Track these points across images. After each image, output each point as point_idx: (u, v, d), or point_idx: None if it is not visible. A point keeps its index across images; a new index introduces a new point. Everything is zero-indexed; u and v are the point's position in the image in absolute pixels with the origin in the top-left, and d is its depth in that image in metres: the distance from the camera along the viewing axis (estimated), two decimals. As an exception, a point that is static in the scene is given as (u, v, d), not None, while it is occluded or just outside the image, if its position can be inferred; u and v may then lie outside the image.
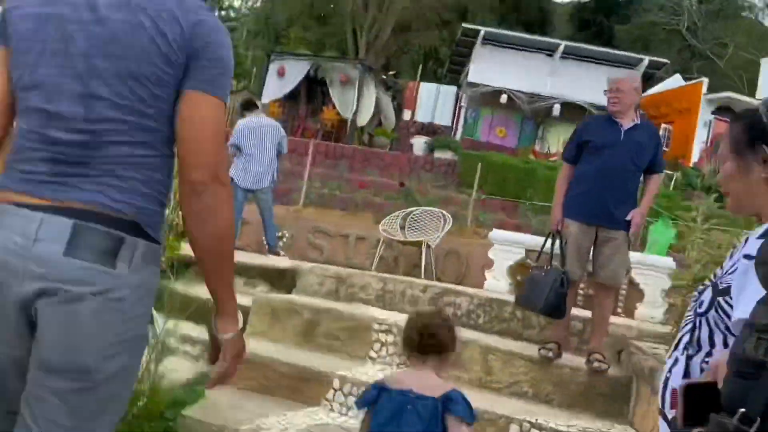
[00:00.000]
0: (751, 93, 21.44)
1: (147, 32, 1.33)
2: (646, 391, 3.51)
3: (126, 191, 1.36)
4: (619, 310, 5.83)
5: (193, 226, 1.41)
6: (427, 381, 2.21)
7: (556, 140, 18.95)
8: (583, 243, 4.05)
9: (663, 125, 20.75)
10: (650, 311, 5.72)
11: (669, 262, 5.70)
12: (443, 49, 26.50)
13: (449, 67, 23.79)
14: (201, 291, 3.95)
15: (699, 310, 1.67)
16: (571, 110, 18.36)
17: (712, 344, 1.61)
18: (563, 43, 20.61)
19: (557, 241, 4.17)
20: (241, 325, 1.56)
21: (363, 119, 16.49)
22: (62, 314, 1.30)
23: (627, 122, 4.05)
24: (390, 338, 4.35)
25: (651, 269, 5.63)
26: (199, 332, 4.57)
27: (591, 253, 4.10)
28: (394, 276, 5.48)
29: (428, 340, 2.25)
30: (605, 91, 4.10)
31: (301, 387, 3.79)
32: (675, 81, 22.45)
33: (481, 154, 14.50)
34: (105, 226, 1.33)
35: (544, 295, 3.90)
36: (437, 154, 15.94)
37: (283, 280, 5.59)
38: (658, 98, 21.77)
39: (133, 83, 1.34)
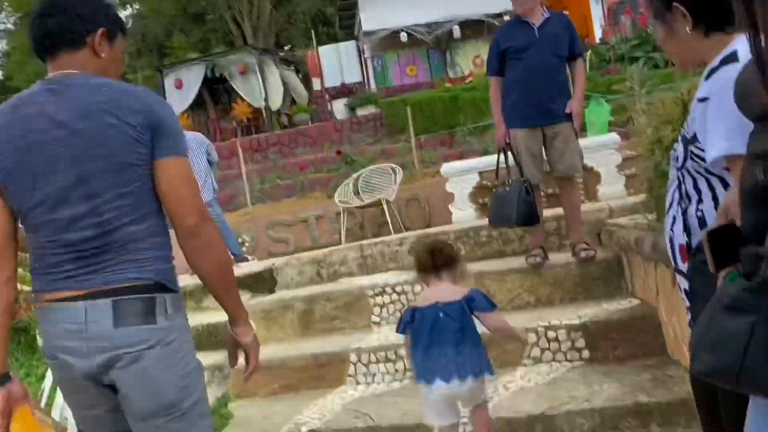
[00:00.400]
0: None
1: (118, 128, 1.59)
2: (637, 261, 3.66)
3: (144, 262, 1.64)
4: (583, 197, 6.01)
5: (198, 261, 1.69)
6: (447, 291, 2.57)
7: (466, 62, 19.07)
8: (534, 147, 4.14)
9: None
10: (611, 189, 5.92)
11: (614, 137, 5.89)
12: (329, 9, 26.08)
13: (340, 23, 23.46)
14: (195, 320, 3.91)
15: (677, 165, 1.74)
16: (471, 28, 18.45)
17: (698, 191, 1.69)
18: (442, -35, 20.51)
19: (509, 155, 4.25)
20: (255, 329, 1.95)
21: (275, 103, 16.21)
22: (134, 373, 1.60)
23: (538, 19, 4.10)
24: (386, 298, 4.40)
25: (599, 150, 5.80)
26: (201, 359, 4.54)
27: (544, 153, 4.20)
28: (367, 241, 5.49)
29: (438, 257, 2.62)
30: (507, -5, 4.13)
31: (322, 373, 3.81)
32: (555, -32, 22.71)
33: (401, 99, 14.50)
34: (137, 293, 1.61)
35: (514, 208, 3.98)
36: (360, 112, 15.87)
37: (263, 282, 5.54)
38: (545, -11, 22.01)
39: (122, 172, 1.60)
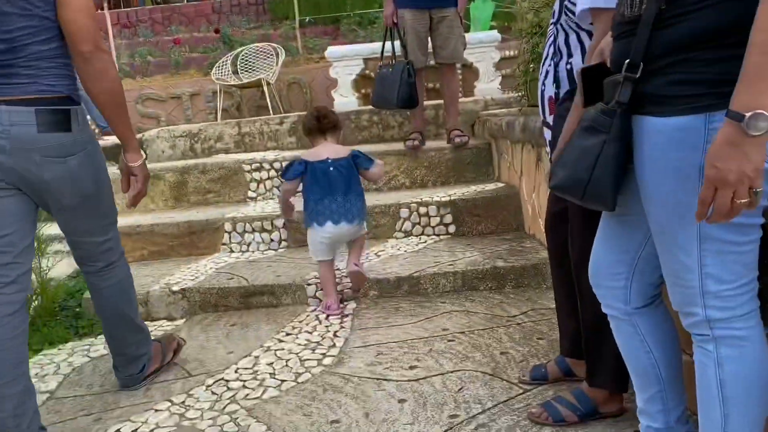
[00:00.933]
0: None
1: None
2: (505, 146, 3.87)
3: (53, 78, 1.87)
4: (461, 92, 6.17)
5: (91, 86, 1.91)
6: (335, 149, 2.96)
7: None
8: (420, 29, 4.15)
9: None
10: (487, 86, 6.12)
11: (494, 35, 6.03)
12: None
13: None
14: None
15: (553, 20, 1.84)
16: None
17: (567, 46, 1.81)
18: None
19: (395, 36, 4.24)
20: (144, 156, 2.17)
21: (148, -25, 14.86)
22: (60, 174, 1.90)
23: None
24: (264, 174, 4.36)
25: (479, 46, 5.93)
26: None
27: (428, 37, 4.23)
28: (247, 118, 5.35)
29: (324, 121, 2.98)
30: None
31: (195, 241, 3.77)
32: None
33: (286, -16, 13.78)
34: (53, 104, 1.87)
35: (396, 89, 4.03)
36: (241, -5, 14.96)
37: (132, 154, 5.29)
38: None
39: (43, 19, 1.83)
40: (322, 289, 2.98)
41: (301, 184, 2.98)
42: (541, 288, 2.94)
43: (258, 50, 7.05)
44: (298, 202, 3.12)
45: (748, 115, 1.00)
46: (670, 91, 1.14)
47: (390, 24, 4.20)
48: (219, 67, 6.92)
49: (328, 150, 2.94)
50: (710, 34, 1.10)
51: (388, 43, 4.31)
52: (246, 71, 6.91)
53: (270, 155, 4.56)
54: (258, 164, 4.38)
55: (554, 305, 2.13)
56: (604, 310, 1.49)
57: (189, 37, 11.39)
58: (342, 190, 2.87)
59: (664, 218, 1.20)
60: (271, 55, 6.87)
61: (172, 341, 2.52)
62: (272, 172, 4.38)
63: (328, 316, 2.85)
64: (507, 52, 6.57)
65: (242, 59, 7.00)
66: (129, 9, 13.89)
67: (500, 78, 6.11)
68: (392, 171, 4.32)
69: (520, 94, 3.52)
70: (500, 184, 3.96)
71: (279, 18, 14.07)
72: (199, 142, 5.15)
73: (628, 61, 1.18)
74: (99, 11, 13.36)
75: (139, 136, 5.35)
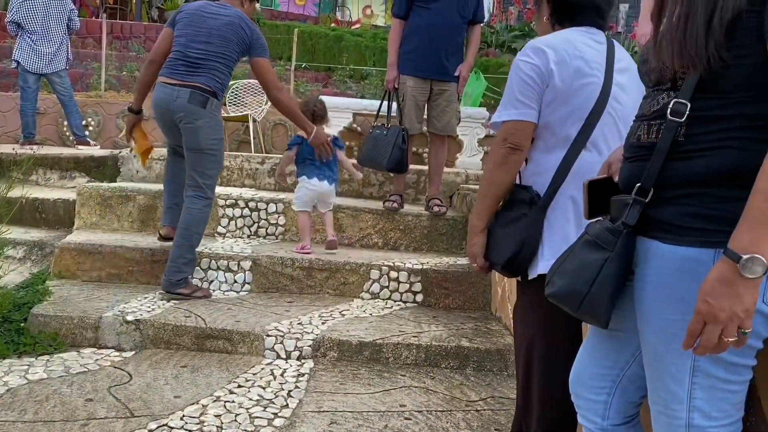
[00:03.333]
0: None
1: (231, 28, 3.36)
2: (484, 224, 3.90)
3: (210, 79, 3.32)
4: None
5: (275, 104, 3.70)
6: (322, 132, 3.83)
7: (356, 9, 18.83)
8: (420, 98, 4.21)
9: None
10: (469, 159, 6.22)
11: (483, 112, 6.16)
12: None
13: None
14: (19, 193, 3.55)
15: None
16: (370, -26, 18.15)
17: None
18: None
19: (393, 100, 4.29)
20: (313, 127, 3.77)
21: (149, -8, 14.94)
22: (189, 128, 3.29)
23: (450, -27, 4.14)
24: (237, 212, 4.29)
25: (467, 120, 6.04)
26: (19, 234, 4.17)
27: (425, 106, 4.29)
28: (227, 152, 5.29)
29: (318, 108, 3.97)
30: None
31: (156, 270, 3.65)
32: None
33: (285, 24, 14.01)
34: (203, 91, 3.29)
35: (388, 152, 4.05)
36: (238, 28, 15.10)
37: (104, 169, 5.18)
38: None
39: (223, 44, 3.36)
40: (299, 234, 3.96)
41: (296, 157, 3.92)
42: (503, 375, 2.91)
43: (249, 86, 7.05)
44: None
45: (745, 257, 1.02)
46: (682, 221, 1.15)
47: (391, 88, 4.25)
48: (208, 95, 6.90)
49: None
50: (727, 174, 1.12)
51: (384, 105, 4.35)
52: (234, 105, 6.89)
53: (247, 193, 4.50)
54: (233, 200, 4.31)
55: (512, 396, 2.13)
56: (579, 420, 1.47)
57: (180, 60, 11.37)
58: (325, 162, 3.84)
59: (660, 345, 1.19)
60: (262, 92, 6.88)
61: (206, 291, 3.49)
62: (245, 211, 4.31)
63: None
64: (491, 131, 6.71)
65: (232, 92, 6.99)
66: (124, 21, 13.88)
67: (483, 154, 6.21)
68: (367, 229, 4.30)
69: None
70: (472, 261, 3.96)
71: (273, 57, 14.22)
72: (176, 168, 5.06)
73: (639, 185, 1.20)
74: (95, 18, 13.34)
75: (115, 152, 5.26)
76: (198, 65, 3.28)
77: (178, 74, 3.29)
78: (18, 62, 6.02)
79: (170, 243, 3.46)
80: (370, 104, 6.52)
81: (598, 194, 1.37)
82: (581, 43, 1.82)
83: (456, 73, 4.18)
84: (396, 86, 4.25)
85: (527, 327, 1.85)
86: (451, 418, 2.42)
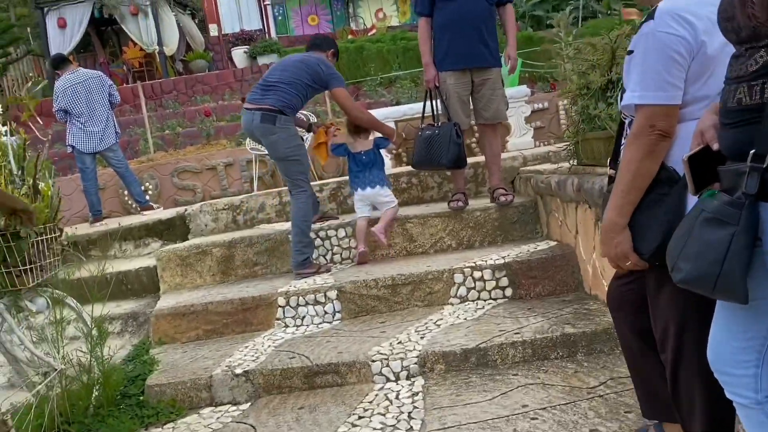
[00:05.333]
0: None
1: (305, 64, 4.16)
2: (555, 204, 3.84)
3: (279, 101, 4.02)
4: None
5: (356, 122, 4.33)
6: (365, 144, 4.31)
7: (369, 15, 18.86)
8: (463, 92, 4.19)
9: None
10: (520, 140, 6.14)
11: (524, 89, 6.09)
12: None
13: (238, -32, 22.37)
14: (92, 269, 3.68)
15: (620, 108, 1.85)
16: (374, -22, 18.15)
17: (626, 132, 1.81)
18: None
19: (436, 98, 4.28)
20: (394, 131, 4.56)
21: (170, 48, 15.34)
22: (269, 141, 4.09)
23: (468, -39, 4.11)
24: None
25: (510, 101, 5.95)
26: (112, 309, 4.33)
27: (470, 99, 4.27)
28: (285, 187, 5.38)
29: (357, 127, 4.32)
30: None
31: (248, 318, 3.74)
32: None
33: (305, 48, 14.15)
34: (271, 111, 4.01)
35: (445, 150, 4.04)
36: (261, 61, 15.35)
37: (174, 230, 5.34)
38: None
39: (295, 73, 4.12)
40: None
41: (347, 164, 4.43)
42: (614, 353, 2.85)
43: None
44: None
45: None
46: None
47: (432, 87, 4.24)
48: (252, 136, 7.03)
49: (361, 145, 4.29)
50: None
51: (428, 105, 4.35)
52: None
53: (314, 224, 4.56)
54: (303, 234, 4.37)
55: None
56: (729, 396, 1.42)
57: (215, 106, 11.66)
58: (369, 168, 4.23)
59: None
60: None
61: (327, 266, 4.20)
62: (317, 241, 4.38)
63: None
64: (536, 105, 6.62)
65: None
66: (153, 81, 14.29)
67: (532, 131, 6.13)
68: (437, 233, 4.30)
69: (569, 152, 3.49)
70: (552, 243, 3.91)
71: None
72: (241, 213, 5.19)
73: (753, 151, 1.16)
74: (126, 85, 13.80)
75: (181, 211, 5.42)
76: (269, 89, 4.03)
77: (253, 99, 4.09)
78: (73, 146, 6.28)
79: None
80: (409, 109, 6.54)
81: (700, 167, 1.33)
82: None
83: (507, 61, 4.15)
84: (436, 84, 4.23)
85: (675, 311, 1.72)
86: (577, 409, 2.39)
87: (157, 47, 14.77)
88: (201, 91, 13.64)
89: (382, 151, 4.36)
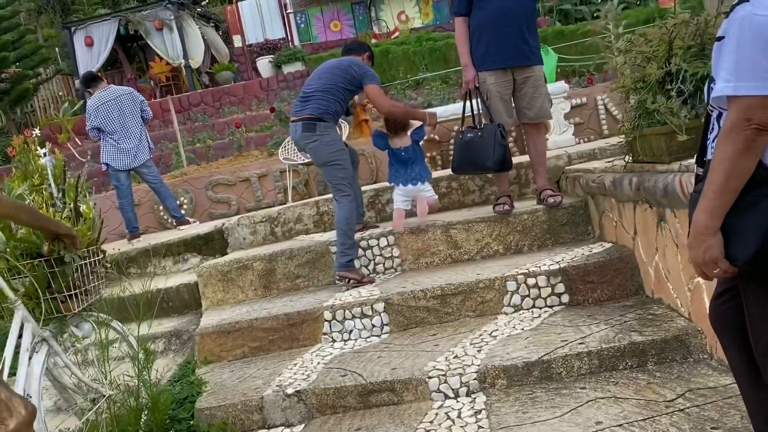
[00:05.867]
0: None
1: (339, 68, 4.17)
2: (609, 204, 3.67)
3: (317, 109, 4.04)
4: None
5: (391, 116, 4.34)
6: (404, 141, 4.32)
7: (391, 18, 18.76)
8: (505, 91, 4.05)
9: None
10: (561, 137, 5.96)
11: (563, 85, 5.91)
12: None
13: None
14: (133, 288, 3.63)
15: (708, 101, 1.69)
16: (395, -20, 18.06)
17: (715, 123, 1.65)
18: None
19: (475, 100, 4.14)
20: (426, 114, 4.48)
21: (196, 61, 15.44)
22: (311, 148, 4.12)
23: (507, -43, 3.97)
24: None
25: (548, 99, 5.79)
26: (154, 327, 4.27)
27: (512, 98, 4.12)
28: (323, 197, 5.29)
29: (397, 124, 4.32)
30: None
31: (295, 333, 3.64)
32: None
33: (331, 54, 14.11)
34: (310, 120, 4.04)
35: (491, 152, 3.90)
36: (287, 69, 15.36)
37: (213, 244, 5.27)
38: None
39: (330, 79, 4.13)
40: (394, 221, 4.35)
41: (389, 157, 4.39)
42: (688, 362, 2.68)
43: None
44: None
45: None
46: None
47: (472, 88, 4.11)
48: (285, 147, 6.96)
49: (400, 141, 4.31)
50: None
51: (468, 106, 4.21)
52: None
53: (356, 233, 4.45)
54: (345, 245, 4.26)
55: (711, 384, 1.90)
56: None
57: (243, 117, 11.66)
58: (409, 163, 4.27)
59: None
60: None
61: (370, 278, 4.10)
62: (359, 251, 4.26)
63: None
64: (574, 101, 6.43)
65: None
66: (180, 95, 14.37)
67: (572, 128, 5.95)
68: (484, 239, 4.15)
69: (625, 149, 3.32)
70: (607, 245, 3.73)
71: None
72: (279, 225, 5.10)
73: None
74: (154, 99, 13.89)
75: (219, 225, 5.35)
76: (307, 99, 4.08)
77: (296, 112, 4.16)
78: (107, 164, 6.27)
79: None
80: (444, 110, 6.40)
81: None
82: None
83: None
84: (476, 85, 4.10)
85: None
86: (657, 426, 2.23)
87: (182, 61, 14.87)
88: (228, 102, 13.68)
89: (426, 129, 4.40)
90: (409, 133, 4.36)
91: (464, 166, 4.14)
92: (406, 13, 18.92)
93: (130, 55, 16.81)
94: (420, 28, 16.16)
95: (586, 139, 6.60)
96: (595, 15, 11.59)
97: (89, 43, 14.66)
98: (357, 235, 4.27)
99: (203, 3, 20.05)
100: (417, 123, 4.42)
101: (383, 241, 4.28)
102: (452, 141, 6.78)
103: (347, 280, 3.97)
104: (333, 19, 19.98)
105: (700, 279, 2.06)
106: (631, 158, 3.32)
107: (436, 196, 4.42)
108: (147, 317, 3.78)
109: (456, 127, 6.43)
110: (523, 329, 3.19)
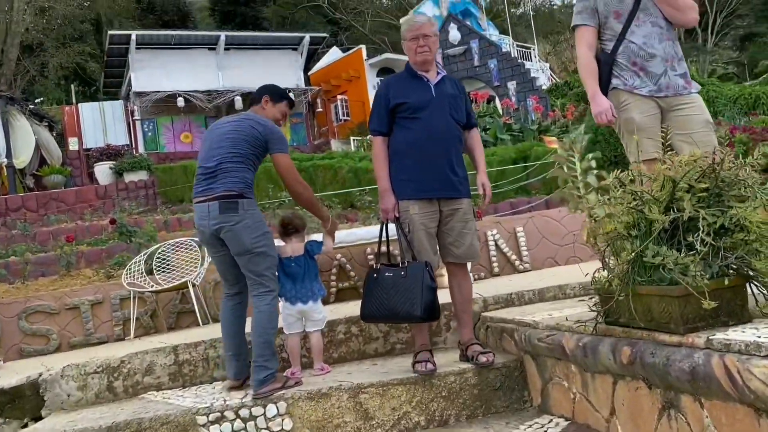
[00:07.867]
0: (401, 51, 23.31)
1: (238, 131, 3.46)
2: (563, 371, 2.99)
3: (234, 183, 3.36)
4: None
5: (299, 200, 3.63)
6: (296, 247, 3.72)
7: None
8: (430, 224, 3.38)
9: (339, 97, 21.47)
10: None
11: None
12: (91, 64, 23.46)
13: (105, 81, 21.12)
14: None
15: None
16: (255, 99, 17.73)
17: None
18: (223, 34, 19.77)
19: (394, 232, 3.43)
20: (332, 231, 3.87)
21: (22, 161, 13.60)
22: (230, 234, 3.32)
23: (433, 76, 3.45)
24: (226, 426, 3.15)
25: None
26: None
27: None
28: (184, 341, 4.13)
29: (289, 227, 3.73)
30: (404, 41, 3.43)
31: None
32: (334, 54, 23.31)
33: (182, 165, 13.06)
34: (229, 198, 3.34)
35: (417, 297, 3.14)
36: (129, 178, 13.97)
37: (22, 402, 3.85)
38: (326, 72, 22.37)
39: (232, 144, 3.44)
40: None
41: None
42: None
43: (177, 245, 5.95)
44: None
45: None
46: None
47: (391, 219, 3.39)
48: (130, 269, 5.70)
49: (292, 248, 3.71)
50: None
51: (385, 240, 3.47)
52: (164, 272, 5.74)
53: (233, 398, 3.35)
54: (218, 413, 3.17)
55: None
56: None
57: (74, 227, 10.07)
58: (299, 279, 3.66)
59: None
60: (195, 250, 5.80)
61: (297, 378, 3.46)
62: (238, 423, 3.17)
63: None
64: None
65: (158, 258, 5.84)
66: (-3, 197, 12.39)
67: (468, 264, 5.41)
68: (402, 406, 3.28)
69: (609, 308, 2.68)
70: (558, 420, 3.01)
71: (172, 201, 13.11)
72: (120, 377, 3.85)
73: None
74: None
75: (33, 375, 3.94)
76: (213, 174, 3.37)
77: (203, 191, 3.40)
78: None
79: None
80: (348, 234, 5.62)
81: None
82: None
83: (480, 190, 3.42)
84: (397, 215, 3.40)
85: None
86: None
87: (4, 159, 12.98)
88: (57, 209, 11.94)
89: (324, 247, 3.78)
90: (304, 241, 3.74)
91: (381, 312, 3.33)
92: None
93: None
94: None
95: (476, 277, 6.12)
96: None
97: None
98: (236, 398, 3.21)
99: (37, 101, 18.22)
100: (313, 235, 3.91)
101: (271, 410, 3.23)
102: (334, 270, 5.98)
103: (270, 394, 3.23)
104: (184, 131, 19.04)
105: None
106: (603, 318, 2.70)
107: (325, 320, 3.77)
108: None
109: (371, 262, 5.65)
110: None
